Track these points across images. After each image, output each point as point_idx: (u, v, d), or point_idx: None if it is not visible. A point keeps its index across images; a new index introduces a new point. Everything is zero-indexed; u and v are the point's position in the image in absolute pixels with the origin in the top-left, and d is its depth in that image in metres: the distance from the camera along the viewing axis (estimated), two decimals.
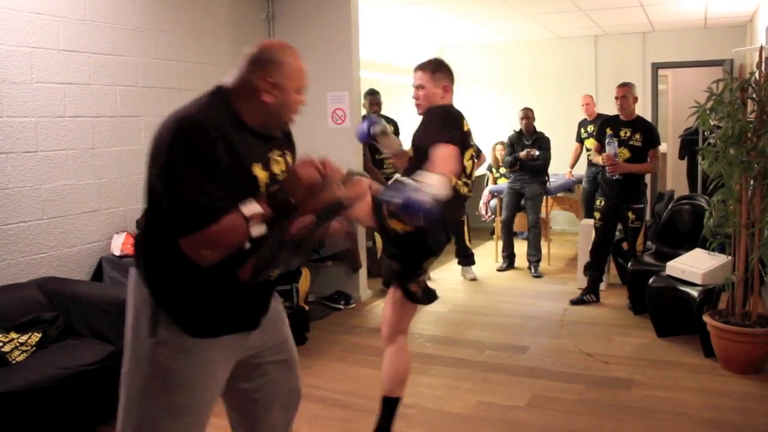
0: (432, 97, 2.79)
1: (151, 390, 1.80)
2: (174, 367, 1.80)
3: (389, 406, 2.82)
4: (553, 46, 8.52)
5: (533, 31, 7.96)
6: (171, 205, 1.69)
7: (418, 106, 2.87)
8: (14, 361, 2.90)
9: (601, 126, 5.27)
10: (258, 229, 1.72)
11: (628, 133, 4.96)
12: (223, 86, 1.90)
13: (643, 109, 7.69)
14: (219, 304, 1.85)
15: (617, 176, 4.96)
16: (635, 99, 5.05)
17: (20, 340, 3.00)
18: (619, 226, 5.26)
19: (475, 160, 2.90)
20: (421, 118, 2.81)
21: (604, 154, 4.99)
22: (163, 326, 1.80)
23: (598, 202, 5.20)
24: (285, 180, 1.85)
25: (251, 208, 1.71)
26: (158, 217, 1.80)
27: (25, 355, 2.96)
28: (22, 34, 3.49)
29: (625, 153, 4.96)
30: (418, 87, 2.84)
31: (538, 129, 6.53)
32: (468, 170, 2.76)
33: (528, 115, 6.48)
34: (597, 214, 5.20)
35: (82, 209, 3.86)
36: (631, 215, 5.01)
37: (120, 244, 3.89)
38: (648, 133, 4.97)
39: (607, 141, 5.00)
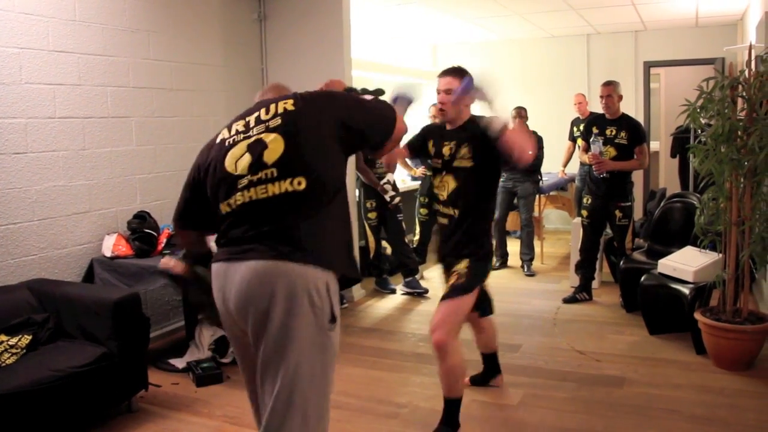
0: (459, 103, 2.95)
1: (328, 372, 1.94)
2: (336, 341, 1.96)
3: (450, 406, 2.98)
4: (545, 45, 8.54)
5: (526, 30, 7.97)
6: (374, 121, 2.15)
7: (443, 111, 3.00)
8: (4, 364, 2.89)
9: (588, 125, 5.30)
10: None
11: (614, 131, 4.98)
12: None
13: (635, 108, 7.72)
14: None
15: (604, 174, 4.99)
16: (620, 97, 5.08)
17: (10, 343, 2.98)
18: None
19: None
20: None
21: (590, 153, 5.04)
22: (336, 306, 1.93)
23: (585, 201, 5.22)
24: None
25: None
26: (328, 183, 1.98)
27: (15, 357, 2.95)
28: (11, 35, 3.47)
29: (612, 151, 4.99)
30: (447, 91, 2.95)
31: (531, 128, 6.54)
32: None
33: (521, 114, 6.49)
34: (584, 213, 5.22)
35: (73, 210, 3.84)
36: (618, 213, 5.03)
37: (111, 245, 3.87)
38: (633, 130, 5.00)
39: (591, 140, 5.04)
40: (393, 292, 5.69)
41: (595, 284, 5.45)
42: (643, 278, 4.41)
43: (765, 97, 3.61)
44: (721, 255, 3.96)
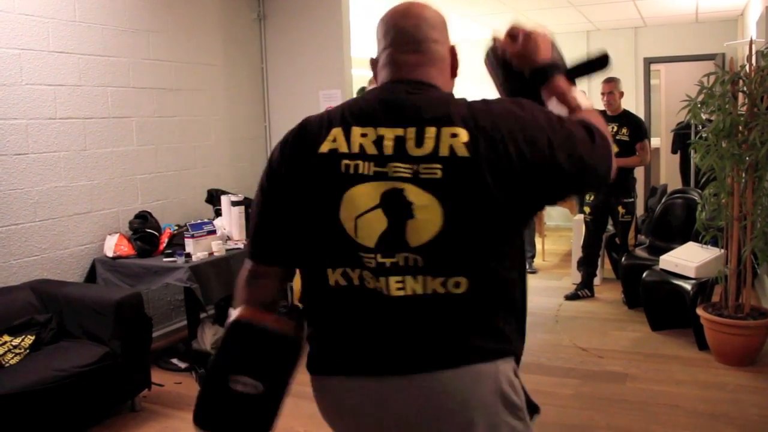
0: None
1: None
2: None
3: None
4: None
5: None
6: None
7: None
8: (7, 364, 2.89)
9: None
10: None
11: (615, 128, 4.99)
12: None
13: (635, 104, 7.70)
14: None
15: None
16: (621, 94, 5.09)
17: (13, 343, 2.99)
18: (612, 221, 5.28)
19: None
20: None
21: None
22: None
23: (587, 197, 5.22)
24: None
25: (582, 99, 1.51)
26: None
27: (18, 358, 2.95)
28: (11, 36, 3.47)
29: (614, 148, 4.98)
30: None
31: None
32: None
33: None
34: (587, 209, 5.22)
35: (75, 211, 3.84)
36: (621, 209, 5.04)
37: (113, 245, 3.87)
38: (635, 126, 5.01)
39: None
40: None
41: (597, 281, 5.45)
42: (645, 274, 4.41)
43: (766, 92, 3.61)
44: (722, 250, 3.96)
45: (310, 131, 1.27)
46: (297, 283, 4.62)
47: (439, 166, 1.16)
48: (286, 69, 5.37)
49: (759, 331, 3.70)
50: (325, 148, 1.23)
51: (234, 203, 4.13)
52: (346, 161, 1.21)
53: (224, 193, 4.39)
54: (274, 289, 1.42)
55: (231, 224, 4.13)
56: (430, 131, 1.18)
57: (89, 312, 3.20)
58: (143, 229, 3.92)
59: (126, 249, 3.87)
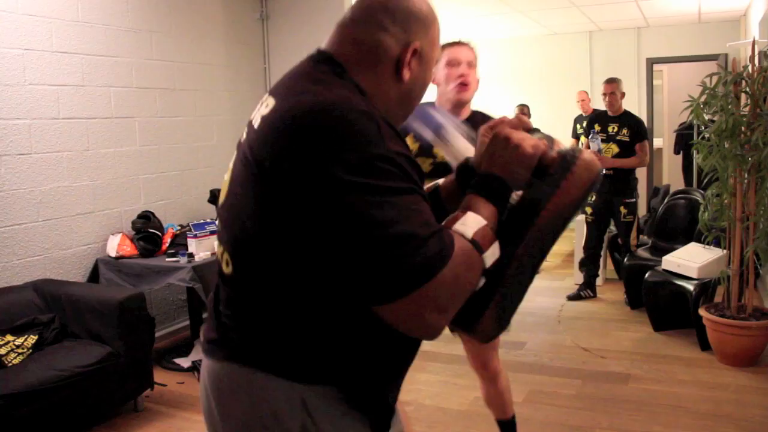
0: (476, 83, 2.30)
1: None
2: None
3: (510, 428, 2.68)
4: (547, 42, 8.52)
5: (528, 27, 7.96)
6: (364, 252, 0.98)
7: (465, 88, 2.27)
8: (10, 364, 2.90)
9: (590, 122, 5.33)
10: (492, 253, 1.07)
11: (616, 128, 5.01)
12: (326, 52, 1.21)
13: (638, 105, 7.70)
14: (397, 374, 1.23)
15: (604, 171, 5.02)
16: (623, 94, 5.11)
17: (16, 343, 3.00)
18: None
19: None
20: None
21: (589, 151, 5.06)
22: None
23: (590, 197, 5.22)
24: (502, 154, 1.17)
25: (471, 220, 1.06)
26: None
27: (21, 357, 2.96)
28: (15, 36, 3.48)
29: (614, 148, 5.02)
30: (470, 65, 2.26)
31: (534, 125, 6.53)
32: None
33: (524, 111, 6.51)
34: (588, 209, 5.23)
35: (77, 211, 3.85)
36: (623, 210, 5.05)
37: (116, 245, 3.88)
38: (635, 127, 5.03)
39: (591, 137, 5.08)
40: None
41: (599, 281, 5.45)
42: (647, 275, 4.40)
43: None
44: (725, 251, 3.95)
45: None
46: None
47: (254, 135, 1.15)
48: (289, 69, 5.37)
49: (761, 331, 3.70)
50: (253, 114, 1.26)
51: None
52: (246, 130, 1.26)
53: None
54: None
55: None
56: (269, 101, 1.16)
57: (92, 312, 3.21)
58: (146, 229, 3.93)
59: (129, 249, 3.88)
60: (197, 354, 3.93)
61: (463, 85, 2.26)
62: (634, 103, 7.37)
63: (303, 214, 0.99)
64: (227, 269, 1.13)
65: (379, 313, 1.00)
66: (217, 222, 1.15)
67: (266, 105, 1.14)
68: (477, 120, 2.35)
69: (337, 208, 0.96)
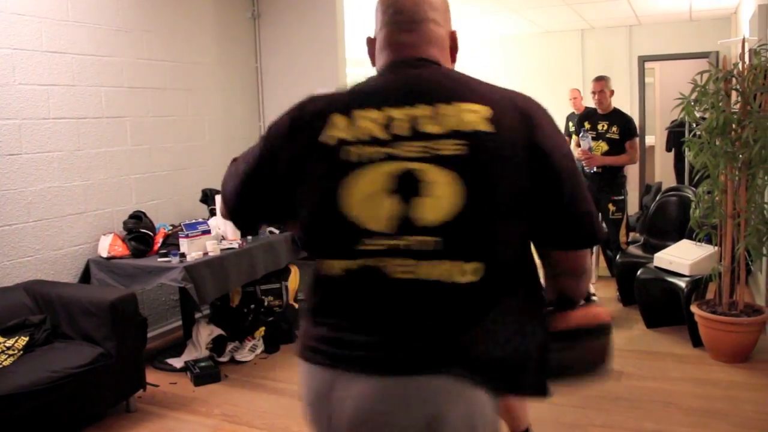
0: None
1: None
2: None
3: None
4: (539, 40, 8.54)
5: (520, 26, 7.97)
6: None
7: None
8: (1, 366, 2.88)
9: (580, 120, 5.35)
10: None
11: (606, 126, 5.04)
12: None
13: (630, 102, 7.73)
14: None
15: (595, 169, 5.05)
16: (612, 92, 5.15)
17: (7, 344, 2.98)
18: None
19: None
20: None
21: (579, 149, 5.11)
22: None
23: None
24: None
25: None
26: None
27: (12, 359, 2.94)
28: (4, 36, 3.46)
29: (603, 146, 5.05)
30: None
31: None
32: None
33: None
34: None
35: (69, 211, 3.83)
36: (611, 207, 5.08)
37: (107, 245, 3.87)
38: (625, 125, 5.06)
39: (581, 135, 5.11)
40: None
41: (591, 279, 5.45)
42: (639, 272, 4.42)
43: (759, 90, 3.62)
44: (716, 248, 3.97)
45: (312, 115, 1.25)
46: (292, 282, 4.62)
47: (462, 142, 1.11)
48: (281, 68, 5.37)
49: (753, 327, 3.71)
50: (325, 137, 1.19)
51: None
52: (349, 148, 1.16)
53: (219, 192, 4.37)
54: None
55: (226, 224, 4.12)
56: (447, 108, 1.13)
57: (83, 313, 3.19)
58: (137, 230, 3.91)
59: (120, 249, 3.86)
60: (189, 354, 3.92)
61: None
62: (626, 101, 7.39)
63: (546, 189, 1.16)
64: (464, 278, 1.13)
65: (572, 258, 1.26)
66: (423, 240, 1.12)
67: (441, 113, 1.15)
68: None
69: (573, 173, 1.22)
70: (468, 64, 9.15)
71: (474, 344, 1.15)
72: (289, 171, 1.23)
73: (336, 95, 1.27)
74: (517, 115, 1.17)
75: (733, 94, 3.79)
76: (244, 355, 4.04)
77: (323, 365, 1.22)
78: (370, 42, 1.35)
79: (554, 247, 1.25)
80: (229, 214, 1.40)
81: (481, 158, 1.11)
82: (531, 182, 1.14)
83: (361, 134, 1.16)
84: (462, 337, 1.15)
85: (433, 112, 1.14)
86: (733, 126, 3.68)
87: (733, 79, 3.73)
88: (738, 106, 3.72)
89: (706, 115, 3.80)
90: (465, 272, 1.13)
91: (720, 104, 3.67)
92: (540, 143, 1.16)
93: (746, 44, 3.83)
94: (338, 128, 1.18)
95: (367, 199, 1.14)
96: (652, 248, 4.76)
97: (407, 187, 1.12)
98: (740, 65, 3.72)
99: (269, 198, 1.30)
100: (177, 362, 3.91)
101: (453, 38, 1.32)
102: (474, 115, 1.13)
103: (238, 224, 1.45)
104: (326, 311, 1.26)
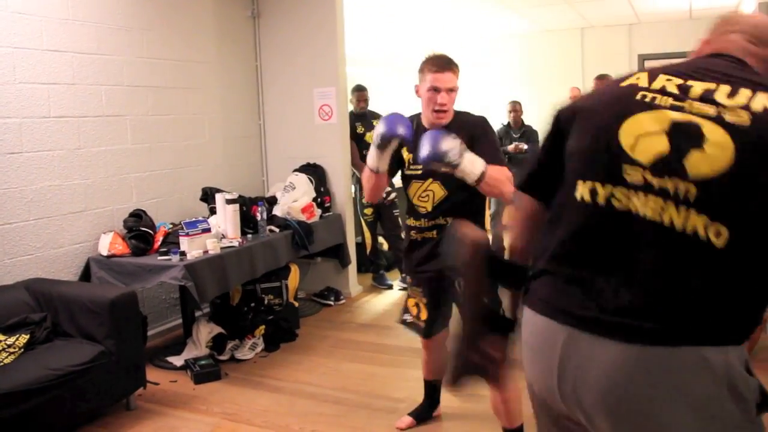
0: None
1: None
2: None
3: None
4: (540, 39, 8.54)
5: (520, 24, 7.97)
6: None
7: (443, 114, 2.51)
8: (1, 363, 2.89)
9: None
10: None
11: None
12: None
13: None
14: None
15: None
16: None
17: (7, 342, 2.99)
18: None
19: None
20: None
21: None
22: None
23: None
24: None
25: None
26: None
27: (12, 357, 2.95)
28: (5, 35, 3.47)
29: None
30: (450, 90, 2.51)
31: (526, 122, 6.56)
32: None
33: (516, 108, 6.51)
34: None
35: (69, 210, 3.84)
36: None
37: (107, 243, 3.87)
38: None
39: None
40: (390, 287, 5.71)
41: None
42: None
43: None
44: None
45: (614, 80, 1.36)
46: (292, 280, 4.61)
47: (748, 114, 1.16)
48: (281, 67, 5.37)
49: None
50: (626, 83, 1.31)
51: (228, 201, 4.13)
52: (643, 92, 1.26)
53: (219, 191, 4.39)
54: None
55: (226, 222, 4.13)
56: (745, 91, 1.20)
57: (84, 311, 3.20)
58: (138, 228, 3.92)
59: (121, 247, 3.87)
60: (189, 352, 3.93)
61: (442, 112, 2.51)
62: None
63: None
64: (716, 239, 1.13)
65: None
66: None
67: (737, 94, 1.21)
68: (461, 120, 2.58)
69: None
70: (468, 62, 9.17)
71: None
72: (577, 114, 1.38)
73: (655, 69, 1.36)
74: None
75: None
76: (244, 353, 4.05)
77: (562, 321, 1.25)
78: (705, 41, 1.48)
79: None
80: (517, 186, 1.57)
81: (760, 136, 1.15)
82: None
83: (656, 86, 1.27)
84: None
85: (731, 90, 1.21)
86: None
87: None
88: None
89: None
90: (709, 231, 1.14)
91: None
92: None
93: None
94: (639, 79, 1.30)
95: (645, 134, 1.21)
96: None
97: (684, 135, 1.18)
98: None
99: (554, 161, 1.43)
100: (177, 360, 3.92)
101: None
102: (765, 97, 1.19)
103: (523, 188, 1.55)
104: (565, 253, 1.30)
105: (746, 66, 1.31)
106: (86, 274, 3.87)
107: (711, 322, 1.15)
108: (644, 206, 1.18)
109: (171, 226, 4.12)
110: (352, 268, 5.48)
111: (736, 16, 1.46)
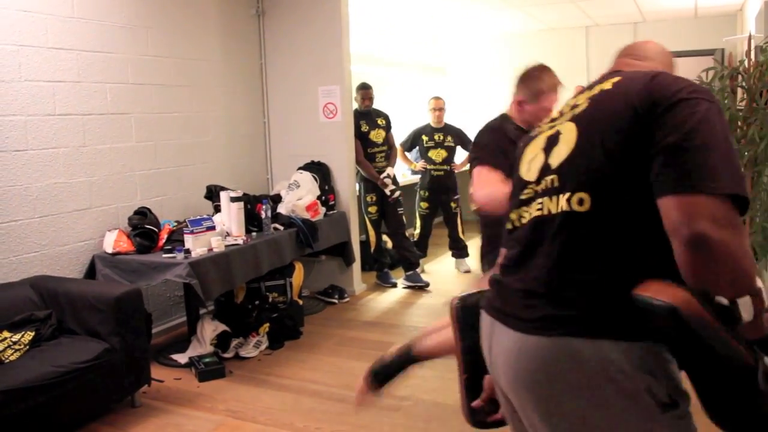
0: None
1: None
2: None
3: None
4: (544, 37, 8.52)
5: (525, 23, 7.95)
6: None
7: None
8: (7, 360, 2.90)
9: None
10: None
11: None
12: None
13: None
14: None
15: None
16: None
17: (13, 339, 2.99)
18: None
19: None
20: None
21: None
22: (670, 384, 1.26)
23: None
24: None
25: None
26: None
27: (18, 354, 2.96)
28: (9, 32, 3.47)
29: None
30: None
31: None
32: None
33: None
34: None
35: (74, 207, 3.85)
36: None
37: (112, 241, 3.88)
38: None
39: None
40: (394, 285, 5.70)
41: None
42: None
43: (765, 87, 3.61)
44: None
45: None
46: (296, 278, 4.60)
47: (589, 100, 1.35)
48: (285, 65, 5.37)
49: None
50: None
51: (233, 199, 4.13)
52: (537, 128, 1.51)
53: (223, 189, 4.39)
54: None
55: (230, 220, 4.13)
56: (600, 85, 1.37)
57: (89, 308, 3.21)
58: (142, 226, 3.92)
59: (125, 245, 3.88)
60: (194, 350, 3.94)
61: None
62: None
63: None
64: (580, 207, 1.25)
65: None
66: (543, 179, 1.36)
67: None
68: None
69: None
70: (471, 61, 9.16)
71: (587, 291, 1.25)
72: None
73: None
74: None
75: (739, 91, 3.78)
76: (249, 351, 4.05)
77: (489, 312, 1.43)
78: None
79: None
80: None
81: (594, 109, 1.33)
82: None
83: (549, 119, 1.50)
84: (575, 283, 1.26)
85: (591, 87, 1.41)
86: (739, 123, 3.67)
87: (739, 76, 3.72)
88: (744, 103, 3.71)
89: None
90: (574, 202, 1.26)
91: (726, 101, 3.67)
92: None
93: (752, 41, 3.82)
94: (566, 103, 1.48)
95: (530, 157, 1.44)
96: None
97: (551, 142, 1.38)
98: (746, 62, 3.71)
99: None
100: (182, 358, 3.92)
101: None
102: (608, 83, 1.35)
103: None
104: (503, 265, 1.45)
105: (626, 72, 1.43)
106: (91, 272, 3.88)
107: (585, 314, 1.21)
108: (532, 210, 1.35)
109: (176, 223, 4.13)
110: (357, 266, 5.48)
111: (627, 46, 1.65)
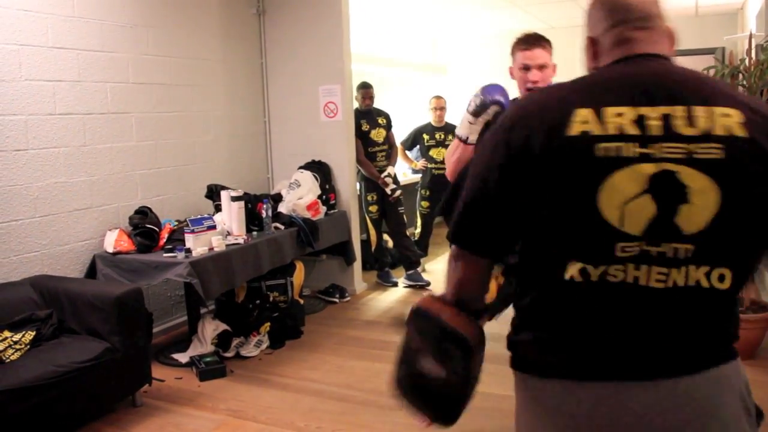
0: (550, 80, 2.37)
1: None
2: None
3: None
4: (544, 36, 8.52)
5: (525, 21, 7.94)
6: None
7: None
8: (8, 360, 2.90)
9: None
10: None
11: None
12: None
13: None
14: None
15: None
16: None
17: (14, 339, 2.99)
18: None
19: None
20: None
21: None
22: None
23: None
24: None
25: None
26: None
27: (18, 353, 2.95)
28: (10, 32, 3.47)
29: None
30: (542, 67, 2.39)
31: None
32: None
33: None
34: None
35: (75, 207, 3.85)
36: None
37: (113, 241, 3.88)
38: None
39: None
40: (395, 285, 5.70)
41: None
42: None
43: (765, 85, 3.61)
44: None
45: (548, 113, 1.14)
46: (297, 278, 4.61)
47: (718, 145, 1.08)
48: (286, 64, 5.37)
49: (759, 324, 3.71)
50: (574, 130, 1.10)
51: (234, 198, 4.13)
52: (603, 144, 1.09)
53: (224, 188, 4.39)
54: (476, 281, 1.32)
55: (231, 219, 4.13)
56: (700, 110, 1.10)
57: (89, 307, 3.20)
58: (143, 225, 3.92)
59: (126, 244, 3.88)
60: (195, 349, 3.94)
61: (533, 90, 2.35)
62: None
63: None
64: (720, 284, 1.14)
65: None
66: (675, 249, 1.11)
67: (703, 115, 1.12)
68: None
69: None
70: (471, 60, 9.15)
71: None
72: (535, 176, 1.15)
73: (564, 91, 1.19)
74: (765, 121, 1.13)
75: (740, 89, 3.78)
76: (250, 350, 4.05)
77: (578, 378, 1.20)
78: (592, 41, 1.28)
79: None
80: (458, 243, 1.30)
81: (737, 164, 1.09)
82: None
83: (613, 130, 1.10)
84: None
85: (686, 112, 1.11)
86: None
87: (740, 75, 3.72)
88: None
89: None
90: (711, 279, 1.13)
91: None
92: None
93: (753, 40, 3.81)
94: (588, 123, 1.11)
95: (629, 200, 1.09)
96: None
97: (665, 189, 1.09)
98: (747, 61, 3.70)
99: (512, 220, 1.22)
100: (182, 357, 3.92)
101: (670, 32, 1.29)
102: (728, 119, 1.10)
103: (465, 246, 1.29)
104: (554, 318, 1.22)
105: (670, 63, 1.24)
106: (92, 271, 3.88)
107: (718, 340, 1.22)
108: (646, 277, 1.13)
109: (176, 223, 4.13)
110: (357, 265, 5.48)
111: (618, 9, 1.26)
